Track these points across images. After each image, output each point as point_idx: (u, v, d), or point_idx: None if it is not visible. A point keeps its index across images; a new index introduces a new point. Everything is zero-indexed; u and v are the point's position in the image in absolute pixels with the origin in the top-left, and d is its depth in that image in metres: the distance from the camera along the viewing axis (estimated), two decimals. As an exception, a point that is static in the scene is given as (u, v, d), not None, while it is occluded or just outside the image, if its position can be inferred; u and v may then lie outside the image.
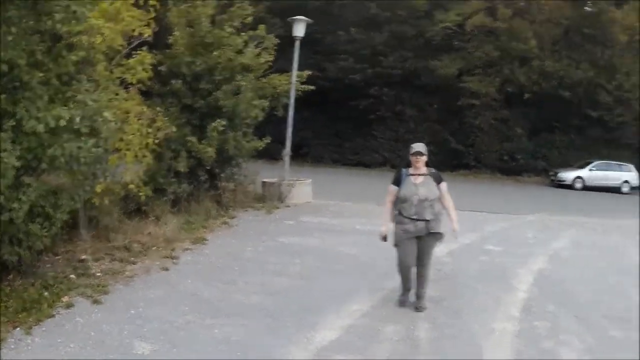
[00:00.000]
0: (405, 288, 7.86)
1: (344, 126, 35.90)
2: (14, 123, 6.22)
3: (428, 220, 7.34)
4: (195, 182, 12.88)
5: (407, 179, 7.49)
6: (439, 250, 8.79)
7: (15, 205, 6.21)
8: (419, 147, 7.55)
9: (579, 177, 33.31)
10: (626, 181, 33.91)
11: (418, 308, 7.65)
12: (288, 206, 15.20)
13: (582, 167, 33.98)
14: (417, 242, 7.45)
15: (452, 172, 33.14)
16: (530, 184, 34.05)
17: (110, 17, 8.69)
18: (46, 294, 6.84)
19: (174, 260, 8.97)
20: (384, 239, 7.55)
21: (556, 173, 34.03)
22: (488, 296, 8.57)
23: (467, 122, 36.13)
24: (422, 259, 7.56)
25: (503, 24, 34.81)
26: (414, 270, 7.67)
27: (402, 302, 7.82)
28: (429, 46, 35.51)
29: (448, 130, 36.19)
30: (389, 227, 7.48)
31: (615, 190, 32.94)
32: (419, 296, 7.76)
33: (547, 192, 30.37)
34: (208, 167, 13.08)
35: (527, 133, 36.84)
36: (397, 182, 7.56)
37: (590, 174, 33.48)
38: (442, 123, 36.34)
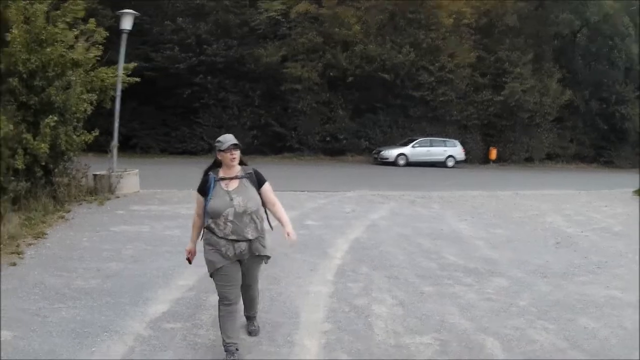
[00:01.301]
0: (232, 342, 5.96)
1: (171, 115, 36.29)
2: None
3: (251, 240, 5.78)
4: (32, 178, 13.26)
5: (217, 186, 5.75)
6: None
7: None
8: (231, 138, 5.78)
9: (402, 154, 35.20)
10: (451, 156, 36.27)
11: (251, 332, 6.54)
12: (118, 197, 15.87)
13: (405, 144, 35.91)
14: (237, 266, 5.88)
15: (276, 156, 34.56)
16: (354, 163, 35.56)
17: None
18: None
19: (20, 255, 9.60)
20: (189, 260, 6.17)
21: (379, 151, 35.74)
22: (305, 264, 9.60)
23: (290, 106, 37.39)
24: (248, 284, 6.12)
25: (328, 10, 36.38)
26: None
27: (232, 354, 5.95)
28: (254, 34, 36.48)
29: (271, 115, 37.32)
30: (195, 245, 6.13)
31: (440, 164, 35.15)
32: (249, 317, 6.58)
33: (370, 170, 31.77)
34: (43, 163, 13.45)
35: (349, 114, 38.57)
36: (204, 190, 5.82)
37: (413, 150, 35.53)
38: (265, 108, 37.40)
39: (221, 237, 5.71)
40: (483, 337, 6.63)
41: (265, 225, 6.04)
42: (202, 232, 6.00)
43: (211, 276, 5.96)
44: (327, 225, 13.21)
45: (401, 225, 13.62)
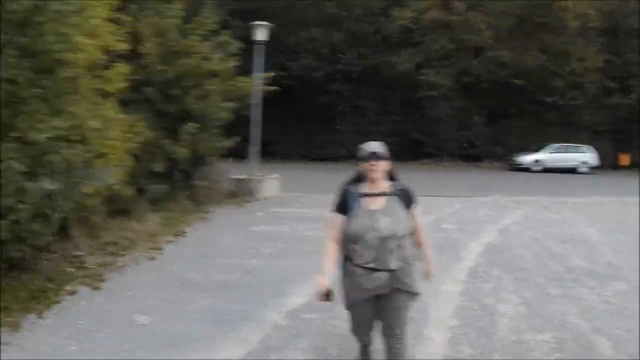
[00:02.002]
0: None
1: (309, 122, 36.43)
2: (17, 134, 7.09)
3: (393, 271, 4.56)
4: (171, 181, 13.67)
5: (359, 204, 4.61)
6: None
7: (21, 206, 7.03)
8: (374, 146, 4.65)
9: (537, 160, 34.47)
10: (584, 162, 35.03)
11: None
12: (258, 200, 16.18)
13: (540, 150, 35.01)
14: (377, 302, 4.71)
15: (415, 162, 34.18)
16: (490, 170, 34.99)
17: (90, 33, 9.18)
18: (50, 285, 7.49)
19: (159, 251, 9.81)
20: (325, 296, 4.65)
21: (515, 157, 35.00)
22: (439, 265, 9.50)
23: (426, 113, 36.97)
24: (390, 327, 4.77)
25: (458, 17, 35.86)
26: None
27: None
28: (387, 42, 36.42)
29: (409, 122, 36.96)
30: (329, 278, 4.70)
31: (573, 171, 34.08)
32: None
33: (505, 175, 31.31)
34: (182, 167, 13.91)
35: (485, 120, 37.90)
36: (343, 208, 4.69)
37: (548, 156, 34.70)
38: (402, 115, 37.16)
39: (358, 265, 4.59)
40: (597, 337, 6.58)
41: (412, 252, 4.78)
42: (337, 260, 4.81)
43: (347, 309, 4.94)
44: (461, 228, 13.14)
45: (533, 229, 13.39)
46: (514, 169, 34.69)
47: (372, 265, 4.51)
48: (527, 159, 34.94)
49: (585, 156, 35.70)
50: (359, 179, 4.74)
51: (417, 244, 4.80)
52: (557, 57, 37.48)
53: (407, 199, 4.68)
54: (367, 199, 4.59)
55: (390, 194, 4.62)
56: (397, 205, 4.61)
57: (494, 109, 38.00)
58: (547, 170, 33.99)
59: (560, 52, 37.51)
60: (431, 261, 4.89)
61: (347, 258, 4.66)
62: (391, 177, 4.75)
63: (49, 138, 7.21)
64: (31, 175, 7.31)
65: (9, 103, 7.21)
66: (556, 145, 35.62)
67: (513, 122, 38.45)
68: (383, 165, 4.59)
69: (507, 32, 37.60)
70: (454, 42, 36.61)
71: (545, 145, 35.77)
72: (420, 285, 4.80)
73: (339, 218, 4.66)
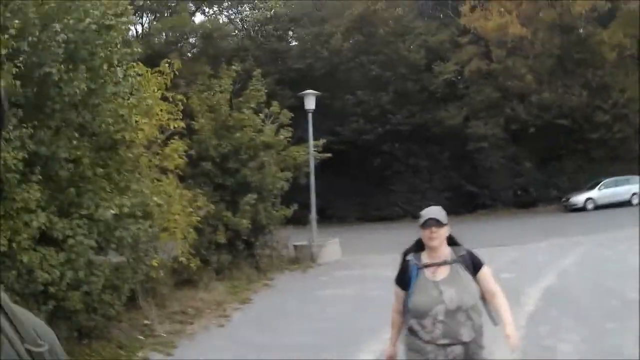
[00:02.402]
0: None
1: (363, 184, 36.38)
2: (86, 212, 7.39)
3: (467, 343, 4.28)
4: (234, 251, 13.86)
5: (421, 275, 4.35)
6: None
7: (94, 279, 7.30)
8: (432, 212, 4.46)
9: (589, 199, 33.94)
10: (634, 193, 34.28)
11: None
12: (320, 265, 16.19)
13: (591, 188, 34.56)
14: None
15: (471, 214, 33.95)
16: (545, 213, 34.22)
17: (145, 113, 9.50)
18: (122, 352, 7.75)
19: (227, 318, 9.99)
20: None
21: (568, 199, 34.65)
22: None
23: (478, 164, 36.74)
24: None
25: (498, 65, 35.99)
26: None
27: None
28: (433, 98, 36.42)
29: (461, 175, 36.79)
30: (395, 348, 4.63)
31: (626, 203, 33.36)
32: None
33: (560, 218, 31.16)
34: (244, 237, 14.07)
35: (536, 165, 37.49)
36: (405, 281, 4.41)
37: (599, 193, 34.05)
38: (454, 169, 36.98)
39: (428, 342, 4.23)
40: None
41: (484, 319, 4.48)
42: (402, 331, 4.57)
43: None
44: (520, 275, 13.07)
45: (589, 268, 13.55)
46: (569, 210, 34.21)
47: (443, 341, 4.19)
48: (580, 198, 34.51)
49: (635, 188, 34.72)
50: (421, 246, 4.43)
51: (494, 308, 4.50)
52: (599, 91, 36.94)
53: (472, 263, 4.42)
54: (429, 270, 4.32)
55: (452, 262, 4.35)
56: (461, 272, 4.33)
57: (544, 153, 37.58)
58: (600, 207, 33.42)
59: (601, 85, 37.01)
60: (512, 326, 4.47)
61: (413, 332, 4.34)
62: (452, 241, 4.47)
63: (115, 215, 7.50)
64: (100, 249, 7.60)
65: (74, 182, 7.54)
66: (606, 180, 34.96)
67: (564, 163, 37.98)
68: (443, 232, 4.33)
69: (548, 74, 37.35)
70: (498, 90, 36.43)
71: (596, 183, 35.14)
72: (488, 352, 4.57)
73: (401, 292, 4.41)
